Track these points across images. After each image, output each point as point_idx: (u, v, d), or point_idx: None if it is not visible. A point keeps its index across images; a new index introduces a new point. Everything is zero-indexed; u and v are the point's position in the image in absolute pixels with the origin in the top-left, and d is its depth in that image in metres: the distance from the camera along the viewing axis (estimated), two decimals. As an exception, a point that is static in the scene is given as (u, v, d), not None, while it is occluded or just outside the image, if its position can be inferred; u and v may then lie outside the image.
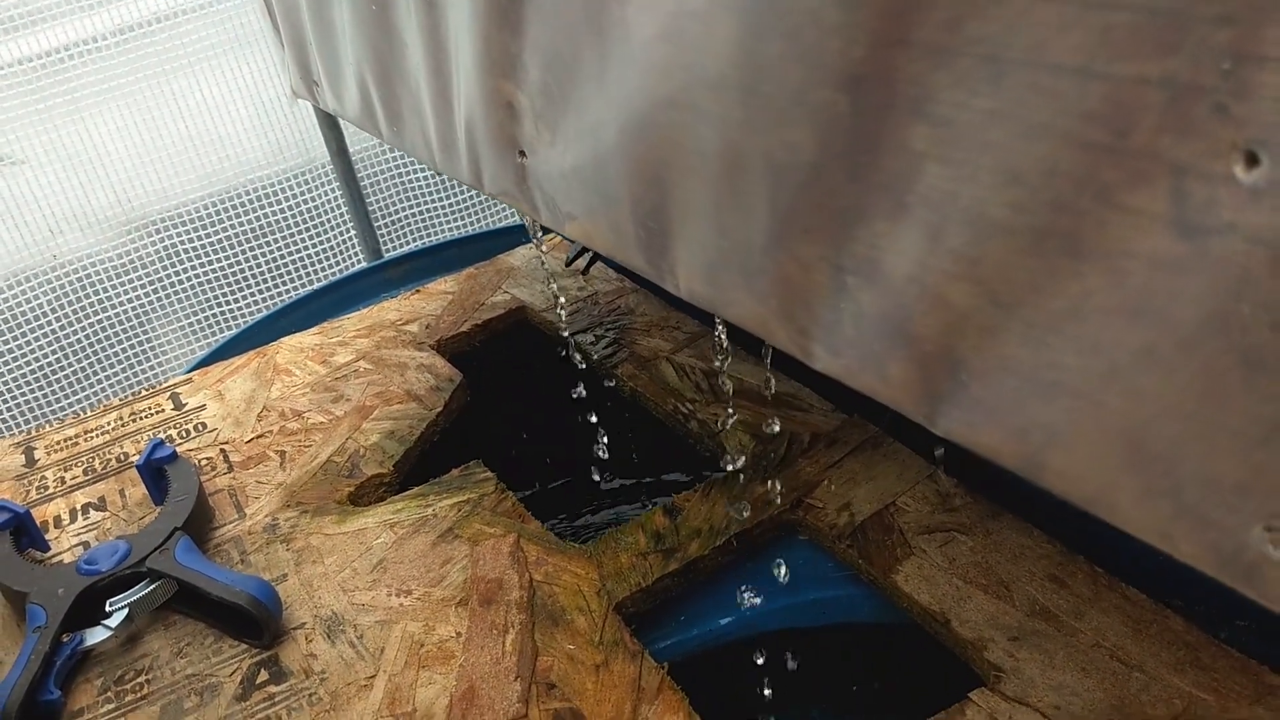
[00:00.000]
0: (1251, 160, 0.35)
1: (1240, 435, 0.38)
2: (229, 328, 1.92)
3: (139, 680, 0.88)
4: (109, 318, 1.86)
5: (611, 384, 1.19)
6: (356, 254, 1.99)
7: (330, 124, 1.71)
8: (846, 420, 1.04)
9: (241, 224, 1.87)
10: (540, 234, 1.27)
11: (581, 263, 1.31)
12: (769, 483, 0.96)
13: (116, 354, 1.89)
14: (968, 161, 0.45)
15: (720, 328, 0.86)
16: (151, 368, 1.94)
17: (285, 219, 1.90)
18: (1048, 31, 0.40)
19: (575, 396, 1.18)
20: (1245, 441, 0.38)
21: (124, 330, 1.89)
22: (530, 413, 1.36)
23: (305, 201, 1.90)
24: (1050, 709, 0.72)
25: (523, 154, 0.83)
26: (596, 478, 1.23)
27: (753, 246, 0.61)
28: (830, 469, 0.98)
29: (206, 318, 1.94)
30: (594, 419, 1.20)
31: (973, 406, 0.50)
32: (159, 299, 1.89)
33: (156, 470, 1.08)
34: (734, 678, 0.93)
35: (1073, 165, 0.40)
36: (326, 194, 1.92)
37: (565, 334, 1.24)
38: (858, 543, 0.89)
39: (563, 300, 1.30)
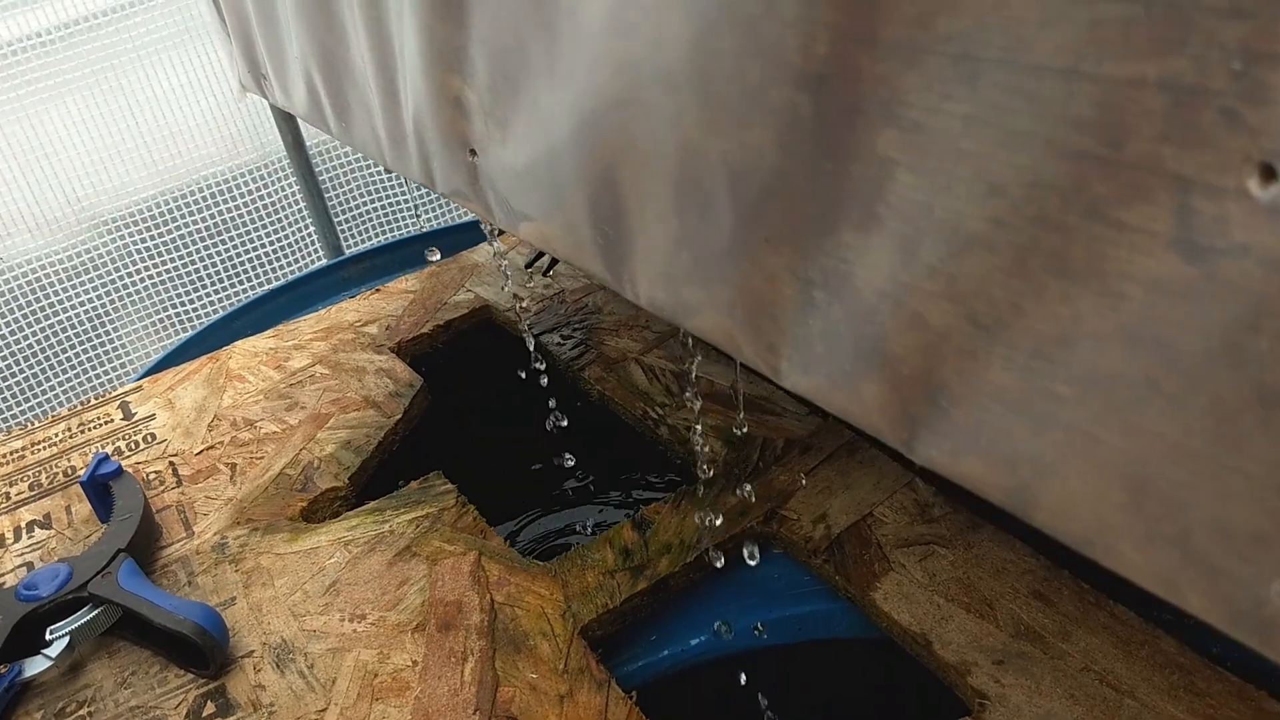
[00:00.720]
0: (1268, 174, 0.30)
1: (1257, 481, 0.34)
2: (186, 329, 1.86)
3: (81, 713, 0.84)
4: (61, 321, 1.79)
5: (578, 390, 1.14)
6: (316, 251, 1.93)
7: (285, 117, 1.65)
8: (821, 424, 1.00)
9: (198, 221, 1.81)
10: (496, 233, 1.22)
11: (543, 263, 1.26)
12: (742, 491, 0.92)
13: (70, 359, 1.82)
14: (942, 170, 0.40)
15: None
16: (106, 373, 1.88)
17: (243, 216, 1.83)
18: (1028, 28, 0.35)
19: (549, 409, 1.14)
20: (1262, 487, 0.34)
21: (78, 334, 1.82)
22: (495, 417, 1.31)
23: (263, 197, 1.83)
24: (1038, 738, 0.68)
25: (473, 152, 0.78)
26: (563, 487, 1.18)
27: (715, 255, 0.56)
28: (804, 477, 0.93)
29: (163, 319, 1.87)
30: (561, 425, 1.15)
31: (955, 434, 0.46)
32: (114, 301, 1.82)
33: (101, 487, 1.03)
34: (708, 700, 0.89)
35: (1059, 177, 0.36)
36: (284, 189, 1.85)
37: (530, 335, 1.19)
38: (834, 557, 0.85)
39: (526, 303, 1.25)
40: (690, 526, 0.90)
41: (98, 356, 1.85)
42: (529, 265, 1.25)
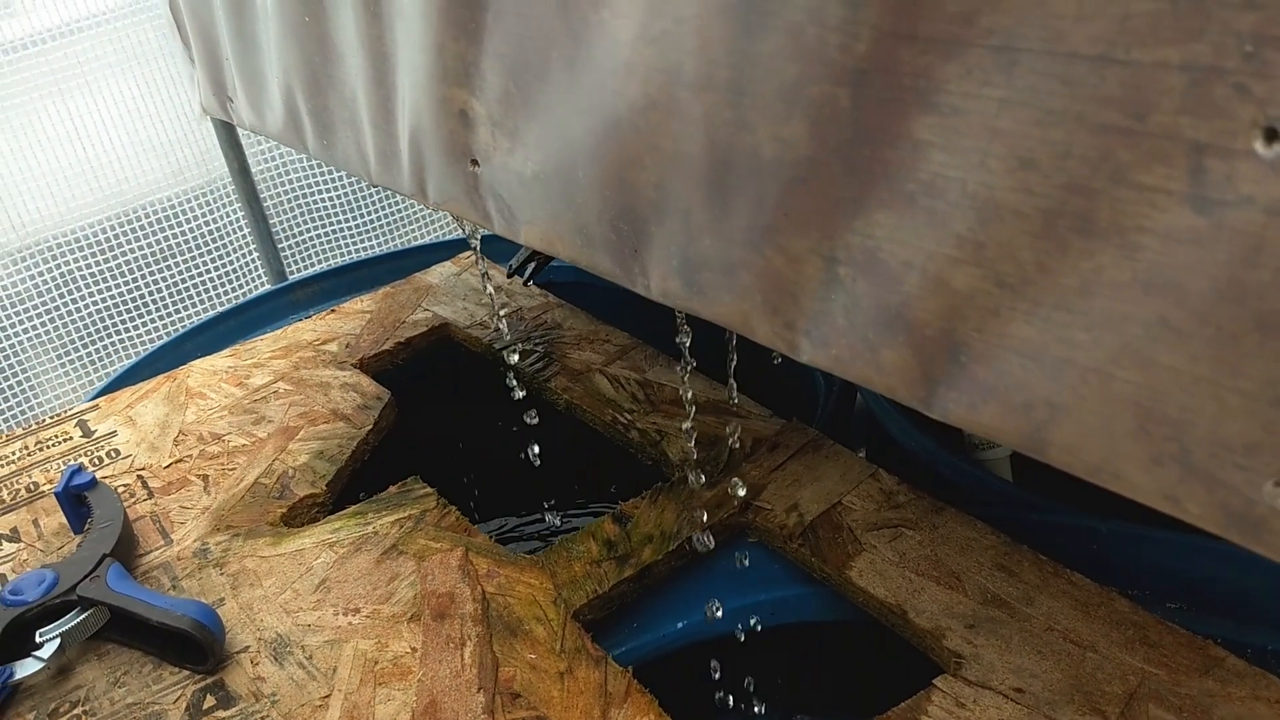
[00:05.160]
0: (1271, 136, 0.37)
1: (1253, 397, 0.41)
2: (124, 358, 1.85)
3: (75, 712, 0.85)
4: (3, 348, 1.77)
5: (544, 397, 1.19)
6: (260, 277, 1.94)
7: (231, 142, 1.67)
8: (785, 424, 1.06)
9: (140, 247, 1.81)
10: (479, 241, 1.26)
11: (525, 273, 1.30)
12: (730, 483, 0.98)
13: (13, 383, 1.79)
14: (976, 149, 0.47)
15: (683, 332, 0.86)
16: (31, 407, 1.85)
17: (186, 242, 1.84)
18: (1065, 23, 0.42)
19: (522, 415, 1.19)
20: (1258, 403, 0.41)
21: (19, 360, 1.80)
22: (462, 428, 1.35)
23: (207, 223, 1.84)
24: (1012, 691, 0.75)
25: (475, 163, 0.83)
26: (538, 493, 1.23)
27: (737, 243, 0.62)
28: (774, 472, 1.00)
29: (102, 349, 1.86)
30: (532, 429, 1.20)
31: (973, 388, 0.52)
32: (51, 330, 1.80)
33: (75, 497, 1.04)
34: (693, 682, 0.94)
35: (1087, 148, 0.43)
36: (228, 215, 1.86)
37: (508, 350, 1.24)
38: (809, 541, 0.91)
39: (502, 311, 1.30)
40: (669, 518, 0.96)
41: (39, 382, 1.83)
42: (511, 274, 1.29)
